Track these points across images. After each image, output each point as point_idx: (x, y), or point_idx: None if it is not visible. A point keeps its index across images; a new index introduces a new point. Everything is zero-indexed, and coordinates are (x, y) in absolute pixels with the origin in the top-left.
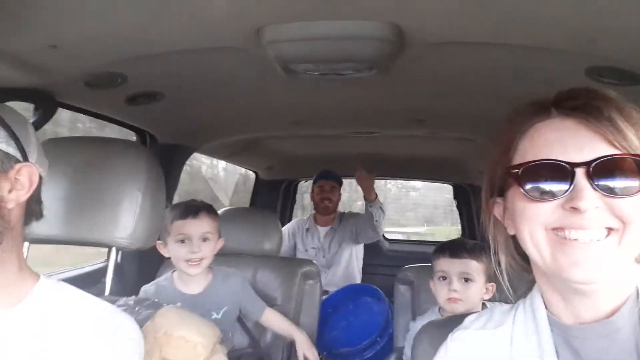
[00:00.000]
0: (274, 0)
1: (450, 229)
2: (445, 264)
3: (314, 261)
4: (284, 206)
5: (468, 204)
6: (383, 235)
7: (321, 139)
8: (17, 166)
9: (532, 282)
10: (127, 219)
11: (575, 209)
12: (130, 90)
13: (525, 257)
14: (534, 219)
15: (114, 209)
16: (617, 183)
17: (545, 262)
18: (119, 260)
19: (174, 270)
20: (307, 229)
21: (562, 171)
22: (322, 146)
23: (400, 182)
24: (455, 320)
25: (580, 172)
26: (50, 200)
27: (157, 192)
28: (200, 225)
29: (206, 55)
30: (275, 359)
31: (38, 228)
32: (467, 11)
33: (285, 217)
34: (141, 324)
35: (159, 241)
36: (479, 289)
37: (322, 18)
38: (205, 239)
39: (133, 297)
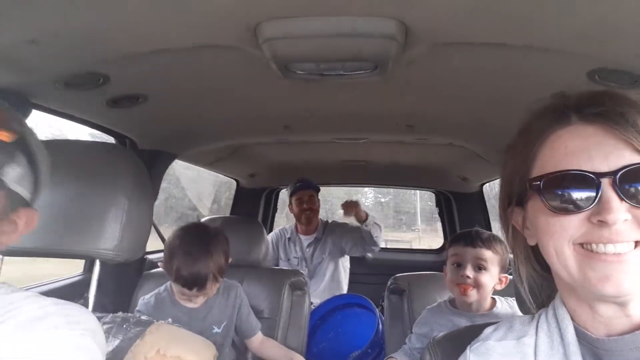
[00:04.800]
0: None
1: None
2: (459, 251)
3: None
4: (265, 215)
5: (450, 211)
6: None
7: (307, 146)
8: (21, 211)
9: (552, 291)
10: (112, 228)
11: (602, 222)
12: (112, 92)
13: (546, 267)
14: (558, 234)
15: (98, 217)
16: None
17: (573, 277)
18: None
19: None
20: (289, 238)
21: (587, 182)
22: (307, 153)
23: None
24: (469, 332)
25: (606, 183)
26: None
27: (144, 199)
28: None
29: (197, 55)
30: None
31: None
32: (475, 10)
33: (267, 226)
34: (130, 342)
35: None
36: (491, 278)
37: (325, 14)
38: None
39: (120, 314)
